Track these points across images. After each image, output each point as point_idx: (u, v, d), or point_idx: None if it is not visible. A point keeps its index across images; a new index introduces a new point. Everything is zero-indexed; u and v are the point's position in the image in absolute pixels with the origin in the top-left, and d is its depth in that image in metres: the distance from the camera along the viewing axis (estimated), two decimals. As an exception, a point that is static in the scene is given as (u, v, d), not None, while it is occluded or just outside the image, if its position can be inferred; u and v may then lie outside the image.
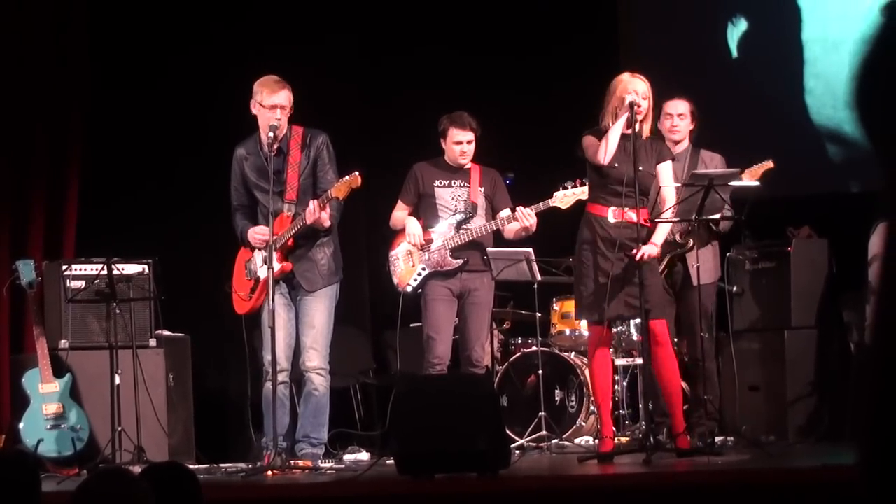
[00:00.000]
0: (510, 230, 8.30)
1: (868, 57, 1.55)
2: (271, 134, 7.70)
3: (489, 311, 8.52)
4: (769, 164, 8.22)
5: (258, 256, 7.98)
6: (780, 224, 8.99)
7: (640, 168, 7.47)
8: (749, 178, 8.10)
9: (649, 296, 7.43)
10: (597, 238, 7.50)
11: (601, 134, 7.49)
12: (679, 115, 8.38)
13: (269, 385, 7.82)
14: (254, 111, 7.86)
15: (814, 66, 9.90)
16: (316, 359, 7.91)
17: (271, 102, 7.76)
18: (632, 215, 7.40)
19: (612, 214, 7.48)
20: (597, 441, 8.77)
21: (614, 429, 8.15)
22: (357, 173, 7.64)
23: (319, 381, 7.92)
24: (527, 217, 8.10)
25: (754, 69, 10.16)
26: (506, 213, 8.33)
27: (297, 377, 8.04)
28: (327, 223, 7.75)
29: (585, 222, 7.64)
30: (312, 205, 7.67)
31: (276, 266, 7.75)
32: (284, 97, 7.78)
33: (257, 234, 7.85)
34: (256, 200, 7.97)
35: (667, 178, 7.58)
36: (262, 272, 7.87)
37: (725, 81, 10.21)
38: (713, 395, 8.14)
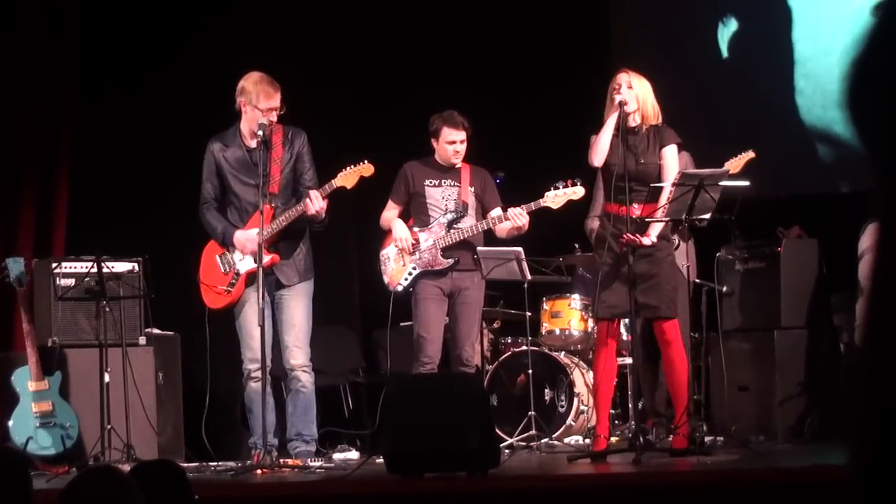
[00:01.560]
0: (502, 229, 8.29)
1: (859, 56, 1.55)
2: (260, 133, 7.72)
3: (479, 310, 8.52)
4: (750, 154, 8.20)
5: (237, 252, 7.99)
6: (770, 224, 9.00)
7: (643, 161, 7.49)
8: (731, 170, 8.08)
9: (659, 294, 7.45)
10: (610, 236, 7.51)
11: None
12: None
13: (252, 384, 7.84)
14: (242, 108, 7.87)
15: (804, 66, 9.91)
16: (300, 356, 7.94)
17: (268, 106, 7.79)
18: (638, 212, 7.42)
19: (622, 211, 7.48)
20: (586, 440, 8.79)
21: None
22: (367, 161, 7.71)
23: (306, 378, 7.95)
24: (518, 217, 8.09)
25: (745, 69, 10.17)
26: (497, 212, 8.33)
27: (279, 374, 8.04)
28: (323, 214, 7.79)
29: (601, 222, 7.67)
30: (312, 195, 7.70)
31: (265, 258, 7.79)
32: (279, 100, 7.80)
33: (246, 240, 7.85)
34: (227, 195, 7.99)
35: (671, 161, 7.56)
36: (243, 265, 7.89)
37: (716, 81, 10.22)
38: (698, 394, 8.16)
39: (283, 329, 7.96)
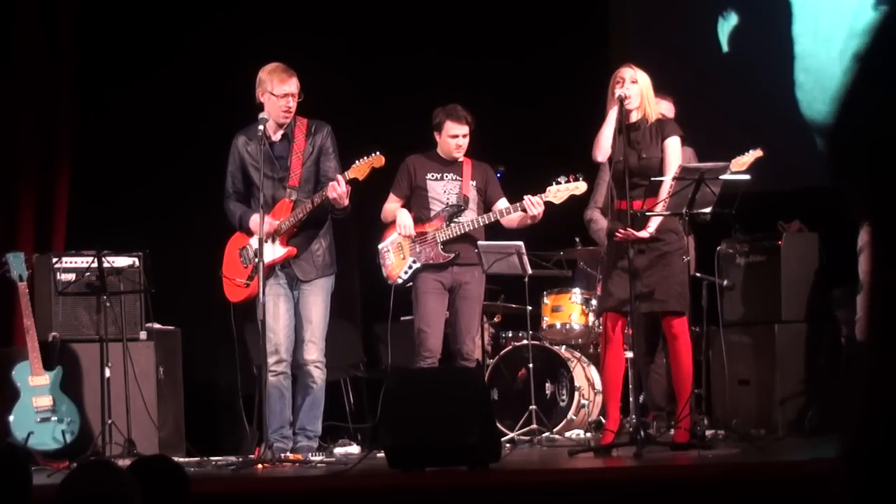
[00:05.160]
0: (512, 220, 8.26)
1: (844, 106, 1.53)
2: (261, 127, 7.73)
3: (480, 304, 8.52)
4: (758, 153, 8.20)
5: (256, 243, 7.98)
6: (771, 218, 8.99)
7: (645, 155, 7.47)
8: (738, 168, 8.09)
9: (669, 288, 7.43)
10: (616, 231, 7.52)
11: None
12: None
13: (271, 378, 7.83)
14: (261, 99, 7.88)
15: (804, 60, 9.90)
16: (314, 352, 7.94)
17: (283, 91, 7.81)
18: (641, 204, 7.42)
19: (628, 206, 7.48)
20: (587, 434, 8.80)
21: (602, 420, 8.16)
22: (379, 153, 7.71)
23: (318, 374, 7.95)
24: (534, 205, 8.06)
25: (745, 63, 10.16)
26: (503, 203, 8.32)
27: (293, 370, 8.05)
28: (346, 201, 7.77)
29: (610, 217, 7.66)
30: (337, 179, 7.68)
31: (282, 251, 7.87)
32: (294, 85, 7.84)
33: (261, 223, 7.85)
34: (251, 188, 7.99)
35: (673, 152, 7.54)
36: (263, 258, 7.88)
37: (716, 75, 10.21)
38: (699, 388, 8.17)
39: (299, 324, 7.96)
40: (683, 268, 7.60)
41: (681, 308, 7.51)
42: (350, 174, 7.76)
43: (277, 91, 7.82)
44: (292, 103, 7.84)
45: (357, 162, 7.79)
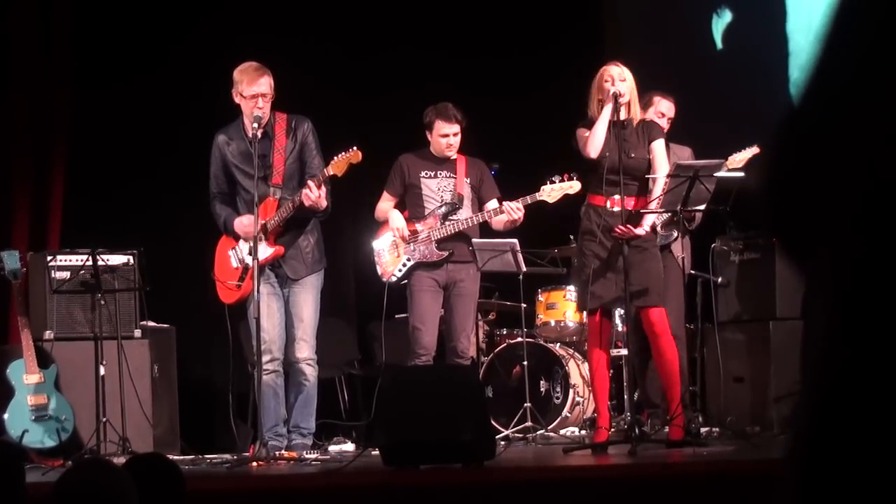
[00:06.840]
0: (498, 221, 8.29)
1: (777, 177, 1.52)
2: (255, 125, 7.71)
3: (475, 302, 8.52)
4: (755, 150, 8.21)
5: (245, 244, 7.97)
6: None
7: (633, 155, 7.49)
8: (735, 166, 8.09)
9: (647, 283, 7.45)
10: (596, 228, 7.51)
11: (592, 125, 7.52)
12: (668, 119, 8.39)
13: (264, 377, 7.83)
14: (236, 100, 7.87)
15: (798, 57, 9.90)
16: (306, 350, 7.93)
17: (252, 92, 7.77)
18: (630, 203, 7.43)
19: (611, 204, 7.49)
20: (582, 432, 8.80)
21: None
22: (356, 148, 7.66)
23: (310, 372, 7.95)
24: (513, 211, 8.08)
25: (739, 60, 10.17)
26: (493, 204, 8.32)
27: (286, 368, 8.05)
28: (324, 203, 7.74)
29: (586, 213, 7.66)
30: (309, 186, 7.65)
31: (269, 251, 7.82)
32: (265, 85, 7.78)
33: (246, 225, 7.84)
34: (236, 187, 7.98)
35: (660, 155, 7.57)
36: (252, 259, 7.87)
37: (710, 73, 10.21)
38: (693, 385, 8.17)
39: (290, 322, 7.95)
40: (658, 263, 7.61)
41: (661, 303, 7.53)
42: (329, 171, 7.72)
43: (247, 92, 7.79)
44: (262, 103, 7.80)
45: (335, 158, 7.75)
